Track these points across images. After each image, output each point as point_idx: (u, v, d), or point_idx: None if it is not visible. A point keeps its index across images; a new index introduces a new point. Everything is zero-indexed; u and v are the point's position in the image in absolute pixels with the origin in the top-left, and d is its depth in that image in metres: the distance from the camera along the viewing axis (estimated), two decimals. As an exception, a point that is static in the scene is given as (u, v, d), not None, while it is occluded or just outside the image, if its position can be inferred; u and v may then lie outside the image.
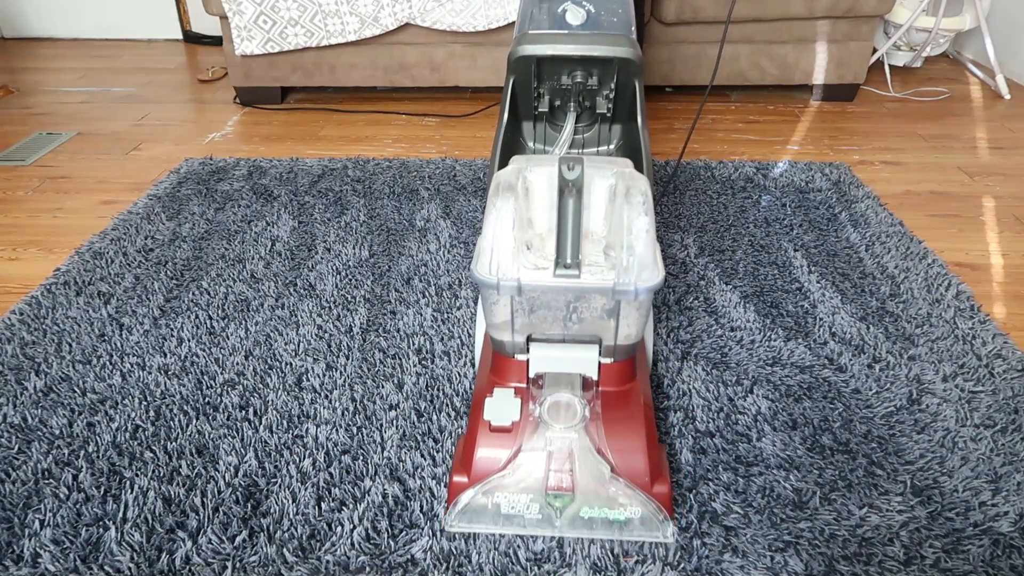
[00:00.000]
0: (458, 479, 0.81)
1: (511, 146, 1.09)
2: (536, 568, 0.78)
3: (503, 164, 0.98)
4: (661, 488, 0.80)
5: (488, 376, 0.87)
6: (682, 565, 0.78)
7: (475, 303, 1.22)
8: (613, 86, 1.02)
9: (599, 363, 0.83)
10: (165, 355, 1.11)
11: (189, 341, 1.14)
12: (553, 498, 0.79)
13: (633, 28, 1.00)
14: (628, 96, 1.03)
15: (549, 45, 0.96)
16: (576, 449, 0.79)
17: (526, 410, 0.82)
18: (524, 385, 0.84)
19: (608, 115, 1.07)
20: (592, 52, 0.96)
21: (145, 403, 1.01)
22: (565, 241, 0.75)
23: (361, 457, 0.92)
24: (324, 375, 1.07)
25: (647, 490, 0.79)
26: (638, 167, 0.94)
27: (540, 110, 1.07)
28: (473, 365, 1.07)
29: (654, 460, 0.80)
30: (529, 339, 0.82)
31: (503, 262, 0.73)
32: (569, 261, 0.74)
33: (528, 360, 0.84)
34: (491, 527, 0.81)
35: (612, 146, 1.13)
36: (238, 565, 0.79)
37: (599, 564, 0.79)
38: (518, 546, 0.80)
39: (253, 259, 1.37)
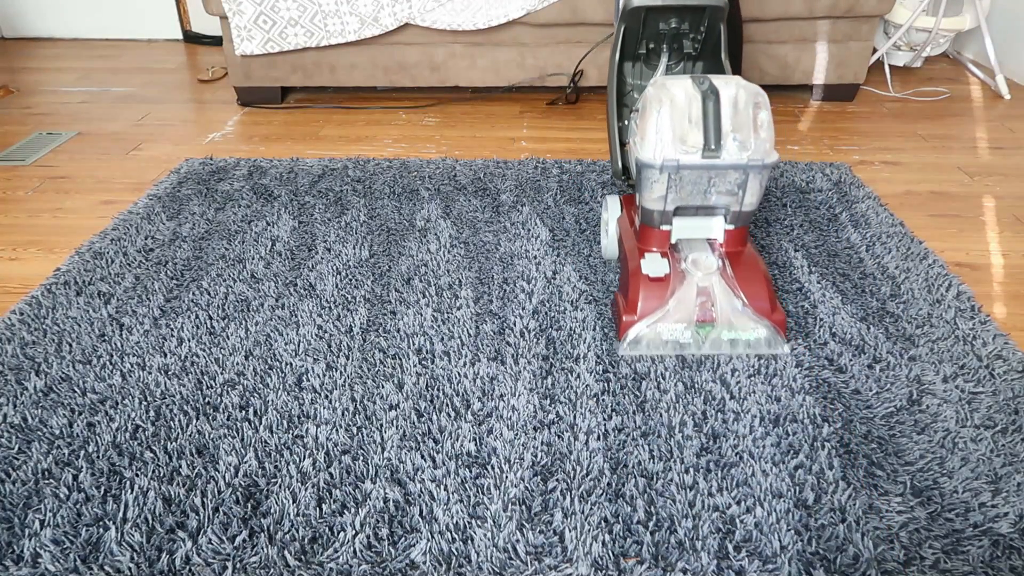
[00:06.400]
0: (628, 318, 1.09)
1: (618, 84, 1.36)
2: (537, 563, 0.79)
3: (619, 97, 1.33)
4: (779, 316, 1.09)
5: (636, 245, 1.16)
6: (681, 564, 0.78)
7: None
8: (702, 29, 1.23)
9: (724, 229, 1.12)
10: (165, 355, 1.11)
11: (189, 341, 1.14)
12: (700, 327, 1.07)
13: None
14: (713, 38, 1.25)
15: None
16: (716, 290, 1.08)
17: (674, 266, 1.10)
18: (666, 250, 1.13)
19: (694, 54, 1.28)
20: (691, 1, 1.18)
21: (145, 403, 1.01)
22: (709, 132, 1.00)
23: (361, 458, 0.92)
24: (324, 375, 1.07)
25: (769, 317, 1.08)
26: None
27: (640, 52, 1.30)
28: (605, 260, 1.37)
29: (773, 296, 1.10)
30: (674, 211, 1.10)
31: (665, 149, 1.02)
32: (713, 146, 1.00)
33: (670, 230, 1.12)
34: (655, 351, 1.08)
35: None
36: (238, 566, 0.79)
37: (600, 562, 0.79)
38: (516, 540, 0.80)
39: (253, 259, 1.37)
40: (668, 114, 1.03)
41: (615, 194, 1.37)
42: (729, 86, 1.04)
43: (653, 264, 1.10)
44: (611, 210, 1.31)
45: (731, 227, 1.12)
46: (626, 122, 1.34)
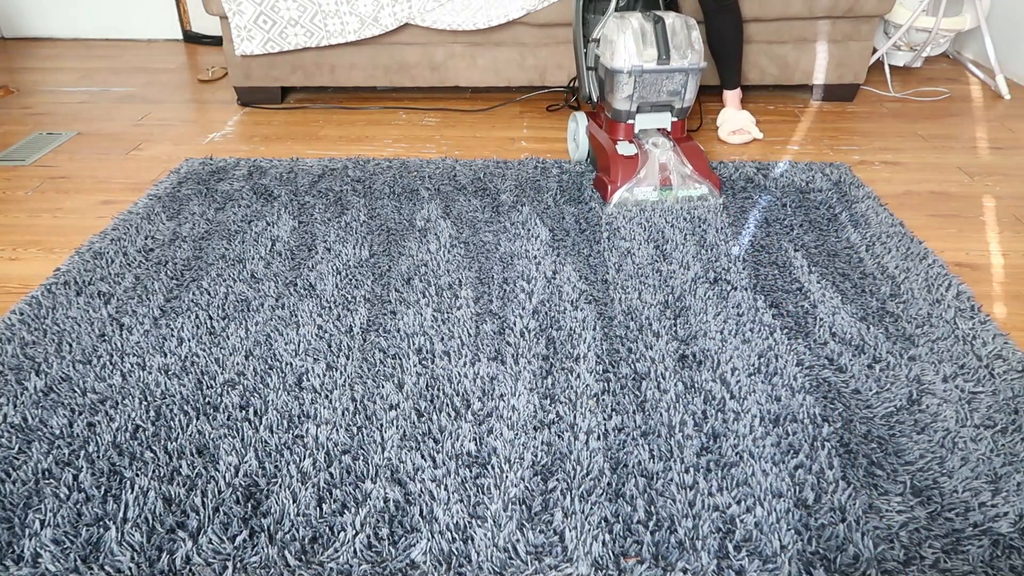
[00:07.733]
0: (612, 186, 1.54)
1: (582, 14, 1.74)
2: (537, 563, 0.79)
3: (585, 29, 1.68)
4: (714, 178, 1.56)
5: (608, 137, 1.61)
6: (681, 564, 0.78)
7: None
8: None
9: (671, 120, 1.60)
10: (165, 355, 1.11)
11: (189, 341, 1.14)
12: (662, 189, 1.54)
13: None
14: None
15: None
16: (671, 162, 1.55)
17: (640, 148, 1.56)
18: (632, 138, 1.59)
19: None
20: None
21: (145, 403, 1.01)
22: (660, 46, 1.48)
23: (361, 457, 0.92)
24: (324, 375, 1.07)
25: (708, 178, 1.56)
26: None
27: None
28: (574, 160, 1.76)
29: (709, 166, 1.58)
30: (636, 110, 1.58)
31: (631, 59, 1.49)
32: (663, 56, 1.49)
33: (634, 123, 1.59)
34: (634, 208, 1.52)
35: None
36: (239, 565, 0.79)
37: (600, 561, 0.79)
38: (517, 540, 0.80)
39: (253, 259, 1.37)
40: (631, 36, 1.49)
41: (581, 112, 1.77)
42: (669, 17, 1.52)
43: (625, 147, 1.56)
44: (580, 121, 1.74)
45: (676, 119, 1.60)
46: (586, 49, 1.68)
